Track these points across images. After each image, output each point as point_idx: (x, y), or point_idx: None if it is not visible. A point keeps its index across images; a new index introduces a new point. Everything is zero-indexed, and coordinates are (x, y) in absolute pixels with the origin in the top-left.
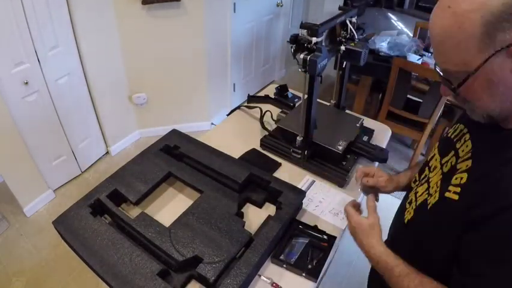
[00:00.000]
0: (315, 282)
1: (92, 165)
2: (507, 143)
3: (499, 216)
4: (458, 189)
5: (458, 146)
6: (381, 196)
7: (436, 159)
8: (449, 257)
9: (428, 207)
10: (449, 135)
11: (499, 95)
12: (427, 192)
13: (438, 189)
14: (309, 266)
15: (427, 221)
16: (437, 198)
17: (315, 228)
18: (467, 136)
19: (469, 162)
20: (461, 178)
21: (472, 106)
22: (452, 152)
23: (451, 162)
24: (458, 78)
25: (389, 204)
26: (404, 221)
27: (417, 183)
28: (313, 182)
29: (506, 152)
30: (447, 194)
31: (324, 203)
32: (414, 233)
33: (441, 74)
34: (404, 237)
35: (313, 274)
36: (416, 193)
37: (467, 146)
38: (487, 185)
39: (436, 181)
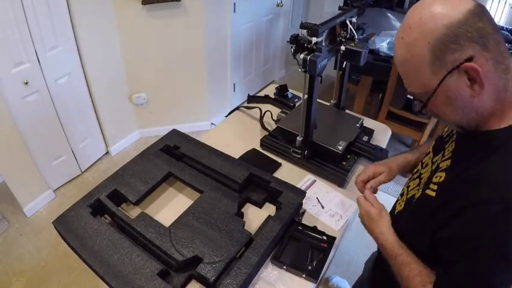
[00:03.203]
0: (315, 283)
1: (92, 165)
2: (480, 145)
3: (469, 211)
4: (435, 187)
5: (446, 146)
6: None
7: (430, 157)
8: (427, 251)
9: (413, 201)
10: (443, 134)
11: (460, 108)
12: (418, 187)
13: (423, 185)
14: (309, 267)
15: (411, 214)
16: (419, 194)
17: (314, 229)
18: (455, 137)
19: (449, 162)
20: (440, 177)
21: (442, 119)
22: (442, 152)
23: (437, 161)
24: (424, 97)
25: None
26: (395, 212)
27: (410, 177)
28: (314, 181)
29: (478, 153)
30: (427, 191)
31: (322, 203)
32: (401, 224)
33: (411, 94)
34: (394, 227)
35: (313, 275)
36: (408, 187)
37: (451, 146)
38: (460, 184)
39: (425, 178)
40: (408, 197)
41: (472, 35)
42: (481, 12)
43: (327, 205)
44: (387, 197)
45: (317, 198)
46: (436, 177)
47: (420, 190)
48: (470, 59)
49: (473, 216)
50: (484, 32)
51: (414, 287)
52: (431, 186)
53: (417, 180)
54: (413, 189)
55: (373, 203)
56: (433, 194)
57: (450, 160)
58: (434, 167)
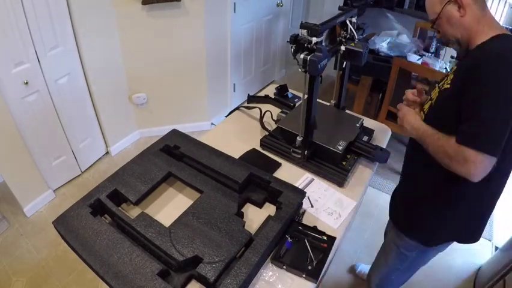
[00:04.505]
0: (315, 283)
1: (92, 165)
2: (472, 53)
3: (478, 69)
4: (449, 81)
5: (449, 74)
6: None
7: (436, 86)
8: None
9: (433, 104)
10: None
11: (455, 26)
12: (430, 102)
13: (436, 96)
14: (309, 267)
15: (435, 112)
16: (437, 94)
17: (314, 229)
18: (455, 67)
19: (453, 74)
20: (450, 78)
21: (445, 36)
22: (445, 79)
23: (443, 80)
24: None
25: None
26: (425, 113)
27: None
28: (312, 180)
29: (470, 54)
30: (444, 87)
31: (320, 202)
32: (432, 116)
33: (431, 21)
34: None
35: (313, 275)
36: (423, 110)
37: (452, 73)
38: (465, 65)
39: (435, 93)
40: (426, 111)
41: None
42: None
43: (325, 204)
44: (379, 193)
45: (308, 197)
46: (446, 81)
47: (434, 98)
48: None
49: (482, 69)
50: None
51: (450, 145)
52: (445, 85)
53: (429, 102)
54: (427, 107)
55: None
56: (448, 86)
57: (456, 67)
58: (440, 84)
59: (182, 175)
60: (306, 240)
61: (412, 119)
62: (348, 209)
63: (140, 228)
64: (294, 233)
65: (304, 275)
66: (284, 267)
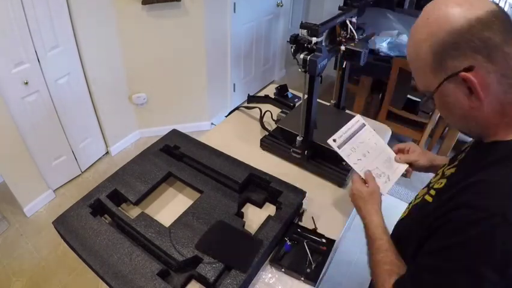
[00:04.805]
0: (314, 286)
1: (92, 165)
2: (483, 155)
3: (451, 215)
4: (434, 193)
5: (459, 156)
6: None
7: (444, 168)
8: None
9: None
10: (463, 147)
11: (458, 116)
12: (425, 195)
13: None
14: (308, 270)
15: (410, 220)
16: (420, 199)
17: (313, 231)
18: (469, 148)
19: (454, 169)
20: (441, 183)
21: (446, 121)
22: (454, 162)
23: (447, 169)
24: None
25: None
26: (400, 218)
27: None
28: (363, 125)
29: (480, 163)
30: (426, 196)
31: (365, 160)
32: (400, 230)
33: (420, 91)
34: (393, 232)
35: (312, 278)
36: (417, 195)
37: (462, 156)
38: (453, 191)
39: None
40: (413, 204)
41: (474, 45)
42: (491, 21)
43: (371, 164)
44: (395, 201)
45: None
46: (438, 183)
47: (423, 197)
48: (469, 69)
49: (453, 220)
50: (489, 43)
51: (380, 273)
52: (431, 191)
53: (426, 188)
54: (420, 197)
55: (369, 182)
56: (430, 199)
57: (455, 168)
58: (440, 175)
59: (182, 175)
60: (305, 243)
61: (367, 205)
62: (398, 173)
63: (140, 228)
64: (293, 236)
65: (302, 278)
66: (283, 269)
